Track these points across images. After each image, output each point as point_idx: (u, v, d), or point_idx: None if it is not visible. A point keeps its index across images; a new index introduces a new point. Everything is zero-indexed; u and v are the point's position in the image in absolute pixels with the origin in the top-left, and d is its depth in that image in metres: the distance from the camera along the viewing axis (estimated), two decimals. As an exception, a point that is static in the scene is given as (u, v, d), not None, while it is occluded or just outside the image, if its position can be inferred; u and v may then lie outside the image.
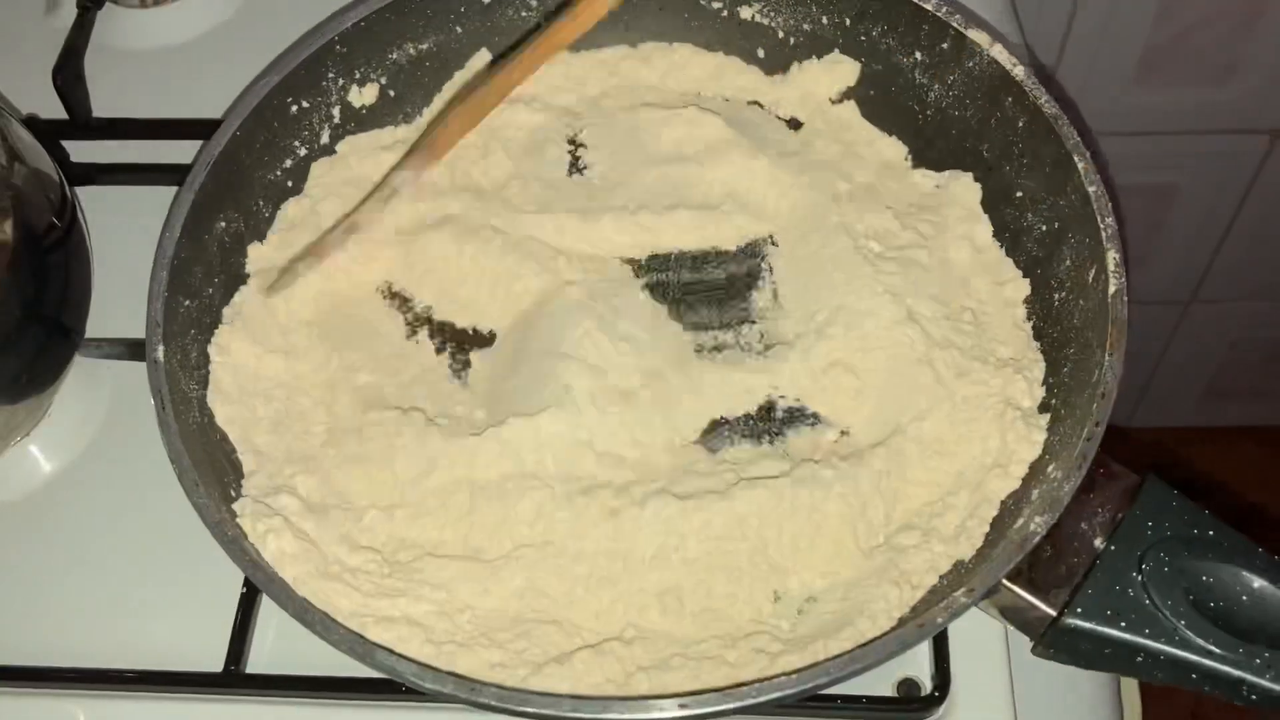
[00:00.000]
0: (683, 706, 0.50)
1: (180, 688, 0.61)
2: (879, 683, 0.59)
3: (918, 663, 0.60)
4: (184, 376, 0.61)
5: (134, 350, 0.70)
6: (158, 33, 0.87)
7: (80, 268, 0.70)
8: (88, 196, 0.75)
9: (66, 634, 0.64)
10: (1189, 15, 1.06)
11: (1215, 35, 1.08)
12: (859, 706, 0.59)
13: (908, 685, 0.60)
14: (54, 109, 0.80)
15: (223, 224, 0.67)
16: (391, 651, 0.53)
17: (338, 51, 0.70)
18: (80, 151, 0.79)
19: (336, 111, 0.72)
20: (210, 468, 0.59)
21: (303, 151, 0.71)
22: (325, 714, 0.61)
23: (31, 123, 0.80)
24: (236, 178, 0.67)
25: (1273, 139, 1.17)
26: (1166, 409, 1.56)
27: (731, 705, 0.50)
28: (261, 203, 0.70)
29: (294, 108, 0.70)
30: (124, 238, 0.75)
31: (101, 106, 0.82)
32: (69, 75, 0.80)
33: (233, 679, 0.61)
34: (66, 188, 0.69)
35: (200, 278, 0.65)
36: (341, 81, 0.72)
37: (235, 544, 0.55)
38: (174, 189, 0.70)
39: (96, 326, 0.71)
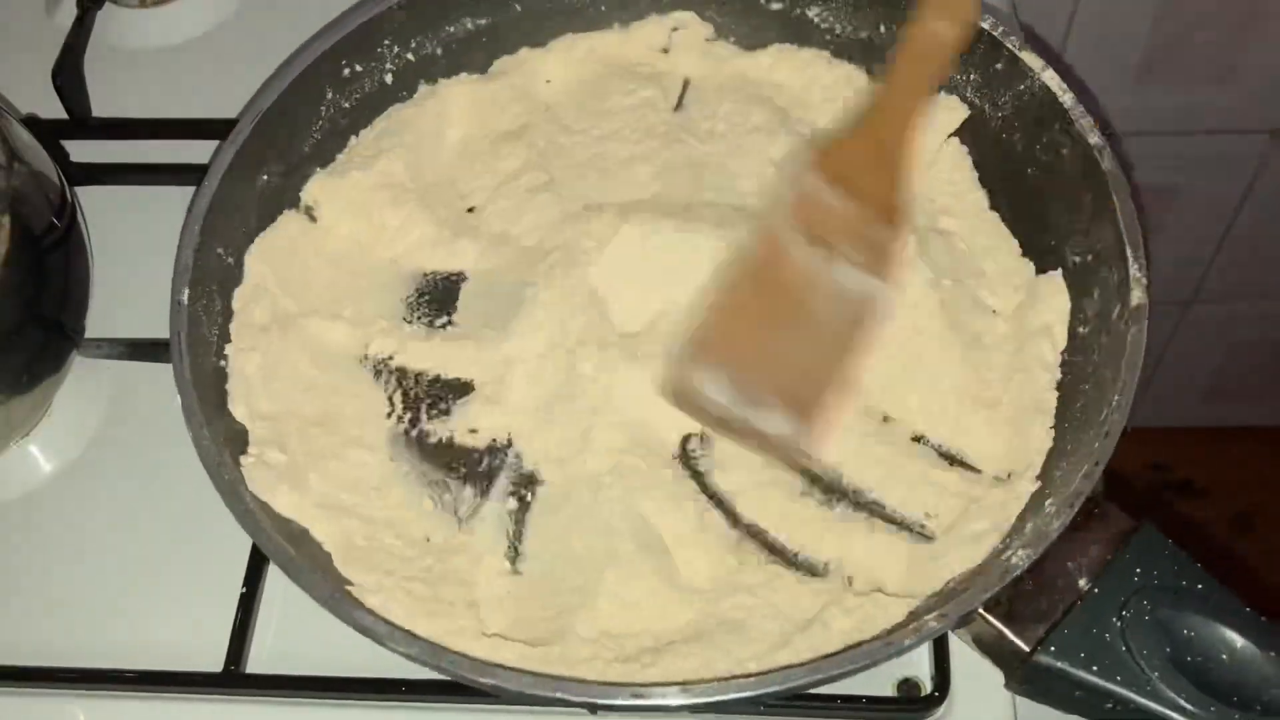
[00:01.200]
0: (636, 696, 0.50)
1: (180, 688, 0.61)
2: (879, 683, 0.59)
3: (918, 663, 0.60)
4: (206, 321, 0.61)
5: (134, 350, 0.70)
6: (157, 33, 0.87)
7: (80, 267, 0.69)
8: (88, 196, 0.75)
9: (66, 634, 0.64)
10: (1189, 15, 1.06)
11: (1215, 35, 1.08)
12: (859, 706, 0.59)
13: (908, 685, 0.60)
14: (54, 109, 0.80)
15: (265, 178, 0.67)
16: (388, 623, 0.53)
17: (397, 18, 0.70)
18: (80, 151, 0.79)
19: (390, 78, 0.72)
20: (217, 410, 0.59)
21: (351, 112, 0.71)
22: (325, 714, 0.61)
23: (31, 123, 0.80)
24: (282, 134, 0.67)
25: (1273, 139, 1.17)
26: (1167, 409, 1.56)
27: (691, 700, 0.50)
28: (307, 159, 0.70)
29: (346, 70, 0.70)
30: (124, 238, 0.75)
31: (101, 106, 0.82)
32: (69, 75, 0.80)
33: (232, 679, 0.61)
34: (66, 188, 0.69)
35: (237, 227, 0.65)
36: (396, 49, 0.71)
37: (232, 489, 0.55)
38: (174, 189, 0.70)
39: (96, 326, 0.71)
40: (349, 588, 0.56)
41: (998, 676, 0.60)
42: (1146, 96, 1.13)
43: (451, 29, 0.73)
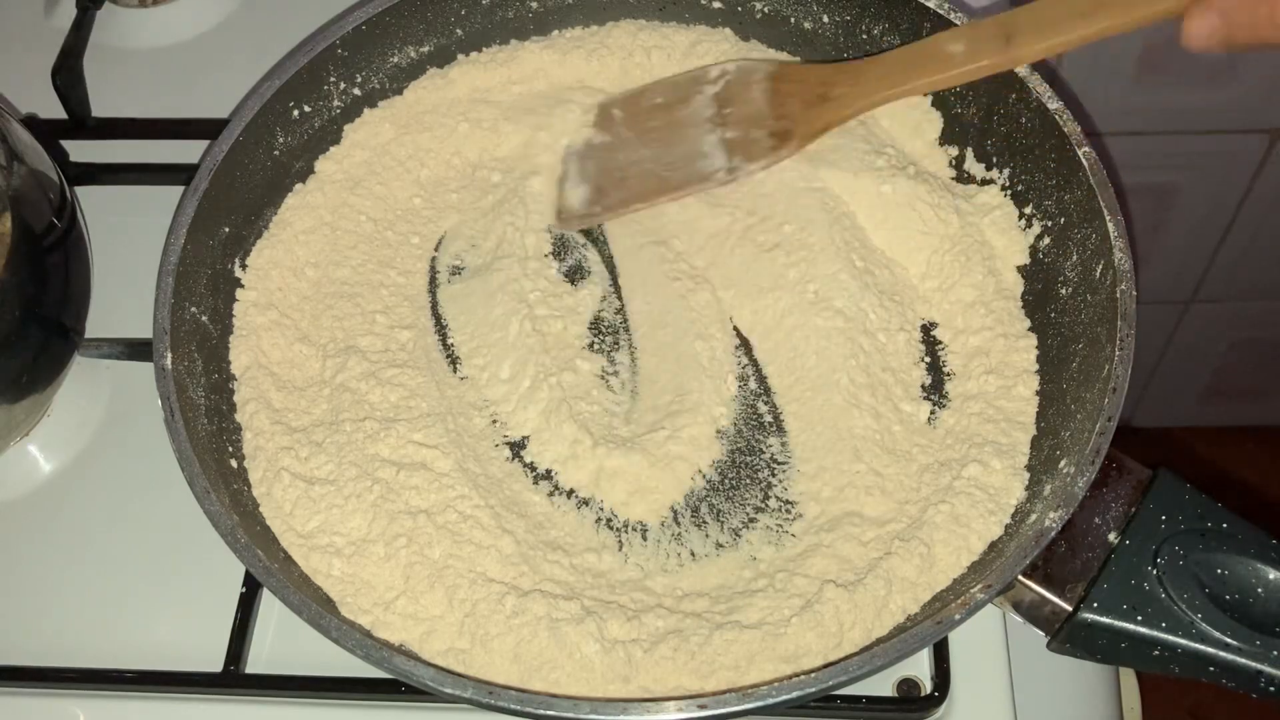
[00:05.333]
0: (701, 707, 0.50)
1: (180, 688, 0.61)
2: (879, 682, 0.59)
3: (918, 663, 0.60)
4: (190, 384, 0.61)
5: (134, 350, 0.71)
6: (157, 32, 0.87)
7: (80, 268, 0.69)
8: (88, 196, 0.75)
9: (66, 634, 0.64)
10: (1189, 15, 1.06)
11: (1215, 35, 1.08)
12: (859, 706, 0.59)
13: (908, 685, 0.60)
14: (53, 109, 0.80)
15: (226, 229, 0.67)
16: (416, 658, 0.53)
17: (339, 55, 0.71)
18: (80, 151, 0.79)
19: (339, 115, 0.72)
20: (219, 474, 0.59)
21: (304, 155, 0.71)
22: (325, 714, 0.61)
23: (31, 123, 0.80)
24: (239, 182, 0.67)
25: (1273, 139, 1.17)
26: (1167, 408, 1.56)
27: (750, 705, 0.50)
28: (264, 206, 0.70)
29: (295, 112, 0.70)
30: (124, 238, 0.75)
31: (101, 106, 0.82)
32: (68, 75, 0.80)
33: (232, 679, 0.61)
34: (66, 188, 0.69)
35: (205, 283, 0.65)
36: (343, 85, 0.72)
37: (249, 551, 0.55)
38: (173, 188, 0.70)
39: (96, 326, 0.71)
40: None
41: (998, 676, 0.61)
42: (1146, 96, 1.13)
43: (395, 59, 0.73)
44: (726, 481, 0.64)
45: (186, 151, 0.75)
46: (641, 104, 0.72)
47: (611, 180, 0.70)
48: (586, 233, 0.72)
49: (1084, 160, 0.62)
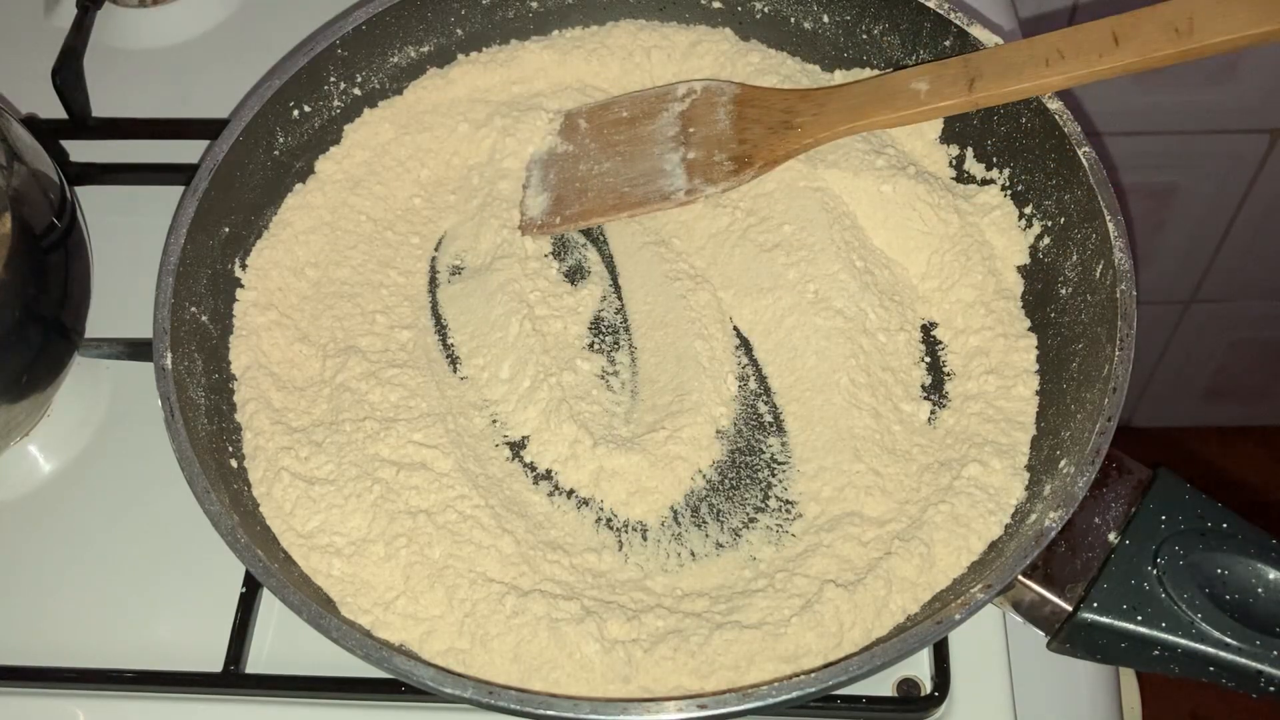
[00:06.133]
0: (701, 707, 0.50)
1: (180, 688, 0.61)
2: (878, 682, 0.59)
3: (918, 663, 0.60)
4: (190, 384, 0.61)
5: (134, 350, 0.71)
6: (157, 32, 0.87)
7: (80, 267, 0.70)
8: (88, 196, 0.75)
9: (66, 634, 0.64)
10: (1189, 15, 1.06)
11: (1215, 35, 1.08)
12: (859, 706, 0.59)
13: (908, 685, 0.60)
14: (53, 109, 0.80)
15: (226, 230, 0.67)
16: (416, 658, 0.54)
17: (339, 55, 0.71)
18: (80, 151, 0.79)
19: (339, 115, 0.72)
20: (219, 474, 0.59)
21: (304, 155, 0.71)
22: (325, 714, 0.61)
23: (31, 123, 0.80)
24: (239, 182, 0.67)
25: (1273, 139, 1.17)
26: (1166, 408, 1.56)
27: (750, 705, 0.50)
28: (264, 206, 0.70)
29: (295, 112, 0.70)
30: (124, 238, 0.75)
31: (101, 106, 0.82)
32: (68, 75, 0.80)
33: (232, 679, 0.61)
34: (66, 188, 0.69)
35: (205, 283, 0.65)
36: (343, 85, 0.72)
37: (249, 551, 0.55)
38: (173, 188, 0.70)
39: (96, 326, 0.71)
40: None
41: (998, 676, 0.61)
42: (1146, 96, 1.13)
43: (395, 59, 0.73)
44: (726, 481, 0.64)
45: (186, 151, 0.75)
46: (607, 116, 0.72)
47: (572, 191, 0.70)
48: (586, 233, 0.72)
49: (1084, 160, 0.62)
